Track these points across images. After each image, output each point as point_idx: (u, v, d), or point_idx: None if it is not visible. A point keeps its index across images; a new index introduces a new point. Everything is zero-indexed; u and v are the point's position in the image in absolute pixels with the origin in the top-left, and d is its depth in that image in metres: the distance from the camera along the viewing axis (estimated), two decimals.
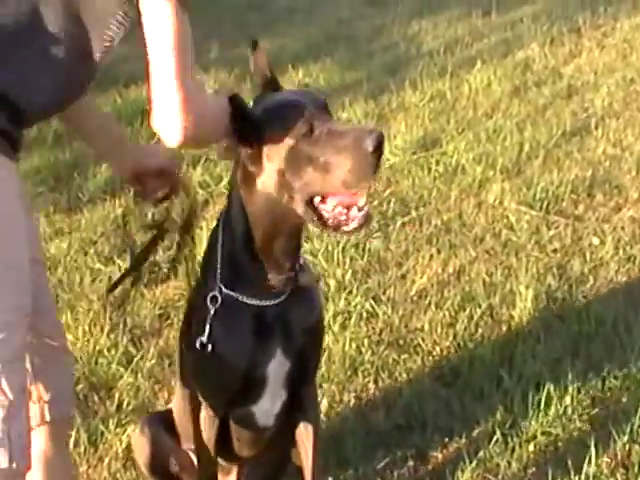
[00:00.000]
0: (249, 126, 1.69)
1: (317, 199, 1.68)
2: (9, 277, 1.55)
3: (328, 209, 1.69)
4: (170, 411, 2.19)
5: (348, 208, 1.68)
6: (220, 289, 1.80)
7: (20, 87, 1.54)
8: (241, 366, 1.84)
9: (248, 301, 1.80)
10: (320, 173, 1.65)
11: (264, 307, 1.81)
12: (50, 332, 1.80)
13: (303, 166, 1.66)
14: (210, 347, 1.81)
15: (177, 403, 2.13)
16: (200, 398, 1.93)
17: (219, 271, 1.81)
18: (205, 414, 1.93)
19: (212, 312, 1.80)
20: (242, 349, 1.83)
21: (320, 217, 1.69)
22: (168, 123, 1.54)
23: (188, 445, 2.12)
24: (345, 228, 1.70)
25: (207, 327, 1.80)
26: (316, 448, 2.02)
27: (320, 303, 2.03)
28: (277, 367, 1.87)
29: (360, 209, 1.68)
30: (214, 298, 1.80)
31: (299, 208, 1.69)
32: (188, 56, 1.55)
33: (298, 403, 1.99)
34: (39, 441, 1.82)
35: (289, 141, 1.66)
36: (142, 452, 2.14)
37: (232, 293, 1.80)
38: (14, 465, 1.60)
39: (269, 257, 1.77)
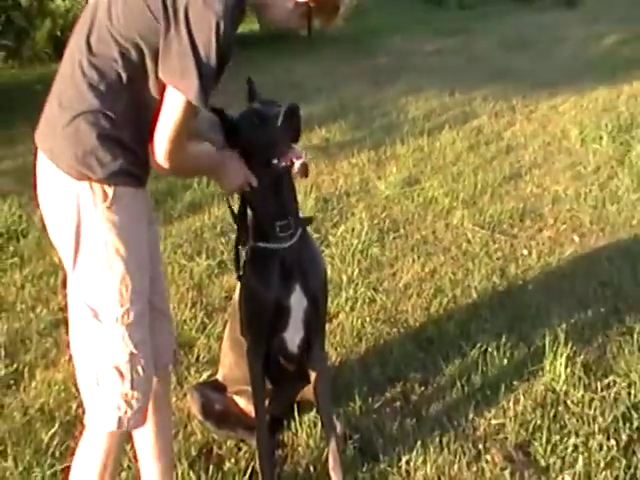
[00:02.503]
0: (232, 130, 1.80)
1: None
2: (135, 267, 1.56)
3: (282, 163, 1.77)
4: (212, 380, 2.21)
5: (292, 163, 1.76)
6: (253, 245, 1.87)
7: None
8: (271, 296, 1.86)
9: (270, 246, 1.83)
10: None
11: (282, 250, 1.83)
12: (160, 299, 1.78)
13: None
14: (244, 279, 1.90)
15: (230, 355, 2.12)
16: (249, 337, 1.93)
17: (251, 230, 1.88)
18: (254, 349, 1.93)
19: (245, 257, 1.89)
20: (270, 283, 1.85)
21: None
22: (157, 158, 1.54)
23: (232, 389, 2.11)
24: (294, 170, 1.76)
25: (241, 266, 1.91)
26: (326, 392, 2.01)
27: (323, 262, 2.05)
28: (297, 301, 1.87)
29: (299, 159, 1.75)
30: (249, 248, 1.88)
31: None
32: (183, 133, 1.52)
33: (313, 358, 1.99)
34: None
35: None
36: (195, 404, 2.15)
37: (260, 244, 1.84)
38: (135, 393, 1.58)
39: (271, 207, 1.82)
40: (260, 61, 7.67)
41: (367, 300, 2.95)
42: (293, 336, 1.94)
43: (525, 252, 3.41)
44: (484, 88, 6.18)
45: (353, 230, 3.54)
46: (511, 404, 2.34)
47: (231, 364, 2.12)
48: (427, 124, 5.27)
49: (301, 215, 1.94)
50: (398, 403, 2.37)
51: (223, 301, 2.94)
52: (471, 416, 2.30)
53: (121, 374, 1.56)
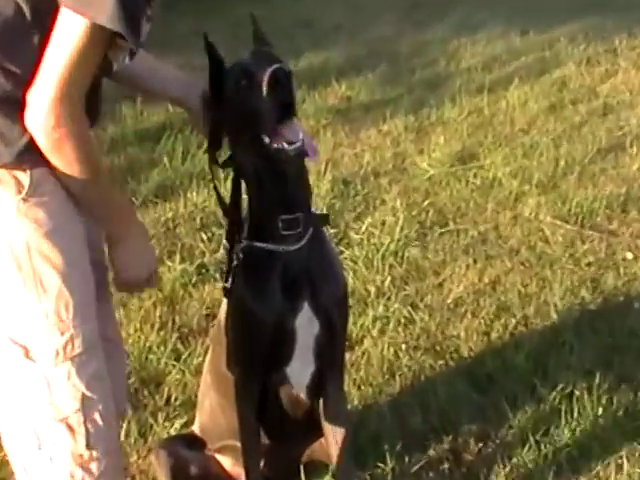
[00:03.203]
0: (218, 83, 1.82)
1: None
2: (75, 276, 1.56)
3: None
4: (185, 433, 2.24)
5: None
6: (246, 244, 1.87)
7: None
8: (269, 315, 1.86)
9: (271, 247, 1.84)
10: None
11: (287, 255, 1.84)
12: (107, 323, 1.78)
13: None
14: (234, 292, 1.91)
15: (211, 396, 2.13)
16: (238, 371, 1.95)
17: (245, 225, 1.89)
18: (245, 389, 1.95)
19: (235, 262, 1.88)
20: (270, 297, 1.86)
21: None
22: (29, 115, 1.43)
23: (214, 445, 2.13)
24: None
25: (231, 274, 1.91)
26: (346, 450, 2.01)
27: (342, 273, 2.07)
28: (305, 324, 1.88)
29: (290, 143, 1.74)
30: (242, 249, 1.88)
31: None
32: (81, 79, 1.43)
33: (328, 402, 1.99)
34: None
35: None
36: (161, 467, 2.14)
37: (258, 244, 1.85)
38: (93, 452, 1.58)
39: (272, 199, 1.82)
40: None
41: (403, 321, 2.95)
42: (299, 371, 1.94)
43: (629, 256, 3.39)
44: (570, 24, 6.18)
45: (384, 224, 3.54)
46: (610, 471, 2.32)
47: (213, 409, 2.13)
48: (488, 77, 5.28)
49: (314, 210, 1.95)
50: (446, 465, 2.36)
51: (203, 320, 2.95)
52: None
53: (71, 429, 1.54)
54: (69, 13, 1.37)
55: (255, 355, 1.93)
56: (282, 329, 1.88)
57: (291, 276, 1.86)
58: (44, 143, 1.44)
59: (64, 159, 1.47)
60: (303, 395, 1.98)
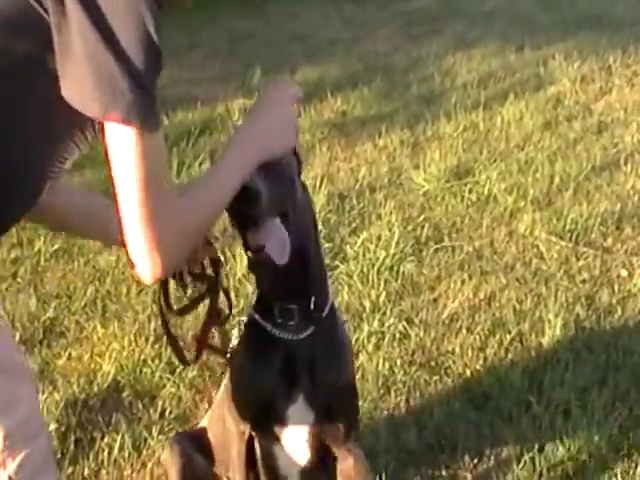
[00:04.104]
0: None
1: None
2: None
3: None
4: (201, 430, 2.16)
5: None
6: (252, 315, 1.82)
7: None
8: (261, 392, 1.81)
9: (273, 331, 1.77)
10: None
11: (288, 342, 1.77)
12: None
13: None
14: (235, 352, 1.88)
15: (217, 425, 2.08)
16: (233, 421, 1.89)
17: (254, 299, 1.84)
18: (236, 430, 1.89)
19: (235, 334, 1.87)
20: (264, 379, 1.80)
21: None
22: (139, 267, 1.32)
23: (220, 470, 2.09)
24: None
25: (232, 342, 1.90)
26: None
27: (351, 362, 1.96)
28: (298, 414, 1.81)
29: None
30: (245, 323, 1.85)
31: None
32: (160, 184, 1.29)
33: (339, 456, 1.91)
34: None
35: None
36: (173, 469, 2.10)
37: (261, 321, 1.79)
38: None
39: (266, 285, 1.78)
40: (255, 4, 7.75)
41: (398, 336, 2.95)
42: (293, 451, 1.88)
43: (624, 273, 3.39)
44: (565, 41, 6.21)
45: (379, 239, 3.54)
46: None
47: (217, 439, 2.09)
48: (483, 92, 5.30)
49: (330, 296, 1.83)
50: (444, 473, 2.36)
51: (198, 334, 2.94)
52: None
53: None
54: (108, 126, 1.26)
55: (245, 417, 1.87)
56: (272, 410, 1.83)
57: (290, 364, 1.79)
58: (160, 257, 1.31)
59: (184, 245, 1.39)
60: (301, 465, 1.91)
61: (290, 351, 1.78)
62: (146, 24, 1.21)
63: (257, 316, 1.80)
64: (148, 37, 1.21)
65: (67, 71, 1.22)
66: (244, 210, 1.55)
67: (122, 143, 1.24)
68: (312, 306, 1.76)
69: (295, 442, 1.86)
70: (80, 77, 1.21)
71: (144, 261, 1.30)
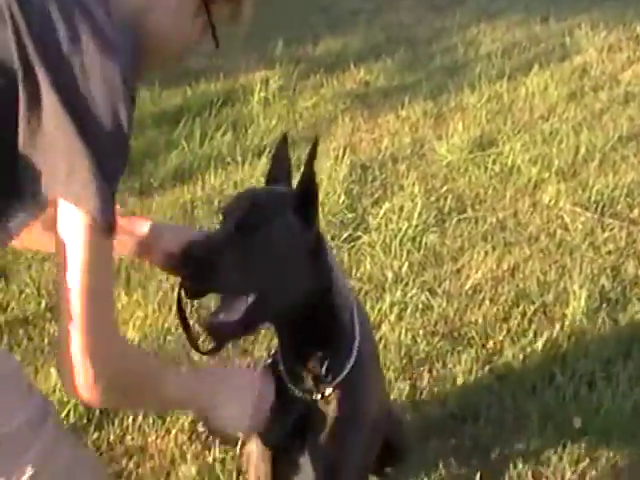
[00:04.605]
0: None
1: None
2: None
3: None
4: None
5: None
6: (275, 361, 1.72)
7: None
8: (275, 436, 1.73)
9: (289, 385, 1.66)
10: None
11: (300, 400, 1.66)
12: None
13: None
14: None
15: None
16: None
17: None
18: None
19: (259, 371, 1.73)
20: (277, 426, 1.69)
21: None
22: (75, 375, 1.25)
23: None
24: None
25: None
26: None
27: (360, 441, 1.74)
28: (306, 467, 1.73)
29: None
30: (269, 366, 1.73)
31: None
32: (107, 298, 1.25)
33: None
34: None
35: None
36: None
37: (281, 366, 1.69)
38: None
39: (281, 344, 1.68)
40: None
41: (420, 306, 2.93)
42: None
43: None
44: (591, 11, 6.10)
45: (402, 209, 3.51)
46: (629, 460, 2.29)
47: None
48: (507, 63, 5.22)
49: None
50: (464, 452, 2.34)
51: None
52: (568, 476, 2.26)
53: None
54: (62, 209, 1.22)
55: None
56: (288, 455, 1.75)
57: (299, 421, 1.69)
58: (90, 384, 1.26)
59: (116, 393, 1.32)
60: None
61: (301, 408, 1.67)
62: (120, 116, 1.20)
63: (270, 361, 1.72)
64: (120, 130, 1.20)
65: (34, 144, 1.20)
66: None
67: (72, 228, 1.22)
68: (323, 372, 1.61)
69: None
70: (47, 155, 1.20)
71: (79, 370, 1.25)
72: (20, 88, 1.18)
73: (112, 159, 1.22)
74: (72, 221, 1.21)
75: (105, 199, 1.19)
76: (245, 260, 1.44)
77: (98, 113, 1.19)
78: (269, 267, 1.48)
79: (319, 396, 1.65)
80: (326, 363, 1.61)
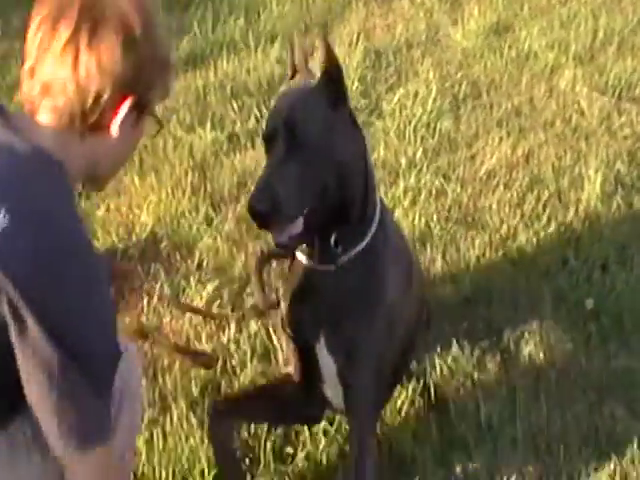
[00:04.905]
0: None
1: None
2: None
3: None
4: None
5: None
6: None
7: None
8: (297, 328, 1.79)
9: (303, 260, 1.73)
10: None
11: (317, 273, 1.71)
12: None
13: None
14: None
15: None
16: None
17: None
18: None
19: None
20: (297, 317, 1.78)
21: None
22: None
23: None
24: None
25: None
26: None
27: (388, 292, 1.75)
28: (322, 355, 1.77)
29: None
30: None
31: None
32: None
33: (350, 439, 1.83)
34: None
35: None
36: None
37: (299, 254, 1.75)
38: None
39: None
40: None
41: (434, 192, 2.91)
42: (333, 391, 1.84)
43: None
44: None
45: (416, 95, 3.45)
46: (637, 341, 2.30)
47: None
48: None
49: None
50: (476, 334, 2.35)
51: (234, 188, 2.92)
52: (583, 361, 2.26)
53: None
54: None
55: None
56: (307, 347, 1.79)
57: (318, 297, 1.73)
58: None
59: None
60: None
61: (319, 282, 1.72)
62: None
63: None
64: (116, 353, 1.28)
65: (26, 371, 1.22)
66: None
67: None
68: (332, 243, 1.68)
69: (332, 381, 1.80)
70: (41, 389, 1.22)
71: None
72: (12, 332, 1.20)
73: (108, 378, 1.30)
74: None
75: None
76: (307, 165, 1.57)
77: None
78: (327, 158, 1.59)
79: (337, 262, 1.69)
80: (334, 235, 1.67)
